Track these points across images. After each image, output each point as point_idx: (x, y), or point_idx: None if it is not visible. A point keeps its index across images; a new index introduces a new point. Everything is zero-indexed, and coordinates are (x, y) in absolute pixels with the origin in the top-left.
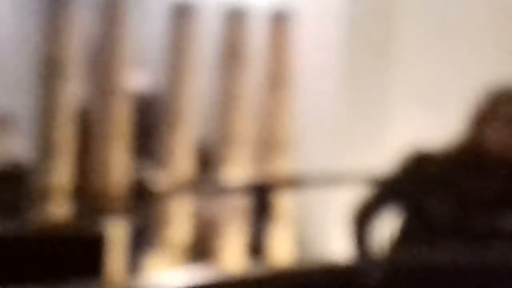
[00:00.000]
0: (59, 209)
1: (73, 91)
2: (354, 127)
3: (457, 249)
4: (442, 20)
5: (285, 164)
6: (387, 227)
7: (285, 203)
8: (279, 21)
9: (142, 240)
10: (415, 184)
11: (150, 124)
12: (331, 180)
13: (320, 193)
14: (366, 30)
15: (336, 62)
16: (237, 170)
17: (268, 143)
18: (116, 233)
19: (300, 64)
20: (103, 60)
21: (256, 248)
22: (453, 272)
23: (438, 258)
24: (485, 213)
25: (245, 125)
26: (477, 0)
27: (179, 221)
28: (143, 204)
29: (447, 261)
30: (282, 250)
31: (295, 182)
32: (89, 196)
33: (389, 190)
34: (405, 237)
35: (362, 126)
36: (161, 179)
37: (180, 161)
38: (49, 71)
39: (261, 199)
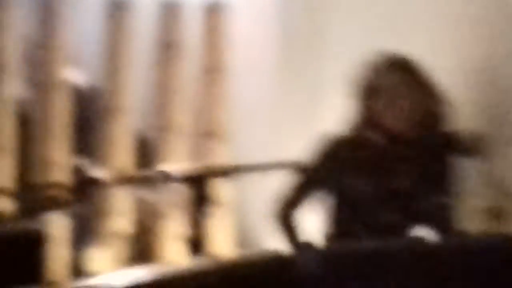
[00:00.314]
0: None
1: (12, 89)
2: (288, 116)
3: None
4: (374, 12)
5: (223, 154)
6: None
7: (224, 193)
8: (214, 13)
9: (84, 234)
10: (332, 168)
11: (89, 118)
12: (267, 168)
13: (257, 181)
14: (299, 22)
15: (270, 53)
16: (176, 161)
17: (205, 134)
18: (57, 229)
19: (236, 55)
20: (41, 56)
21: (196, 238)
22: (390, 256)
23: (374, 243)
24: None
25: (183, 116)
26: None
27: (120, 213)
28: (85, 198)
29: (382, 245)
30: (222, 240)
31: (233, 171)
32: (30, 193)
33: (309, 178)
34: (335, 221)
35: (296, 115)
36: (101, 172)
37: (120, 154)
38: None
39: (200, 189)
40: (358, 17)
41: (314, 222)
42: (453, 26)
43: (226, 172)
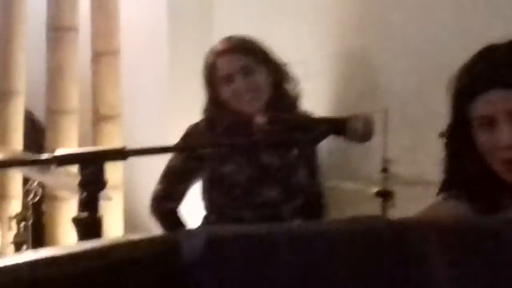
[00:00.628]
0: None
1: None
2: (181, 100)
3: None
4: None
5: (115, 137)
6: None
7: (115, 175)
8: None
9: None
10: (194, 155)
11: None
12: (161, 151)
13: (150, 165)
14: (188, 2)
15: (160, 35)
16: (69, 144)
17: (98, 117)
18: None
19: (127, 38)
20: None
21: (90, 221)
22: (274, 241)
23: (257, 227)
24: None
25: (74, 97)
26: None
27: (12, 196)
28: None
29: (266, 229)
30: (112, 220)
31: (126, 154)
32: None
33: (174, 168)
34: (212, 206)
35: (188, 98)
36: None
37: (11, 137)
38: None
39: (92, 170)
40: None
41: (199, 211)
42: (331, 13)
43: (118, 155)
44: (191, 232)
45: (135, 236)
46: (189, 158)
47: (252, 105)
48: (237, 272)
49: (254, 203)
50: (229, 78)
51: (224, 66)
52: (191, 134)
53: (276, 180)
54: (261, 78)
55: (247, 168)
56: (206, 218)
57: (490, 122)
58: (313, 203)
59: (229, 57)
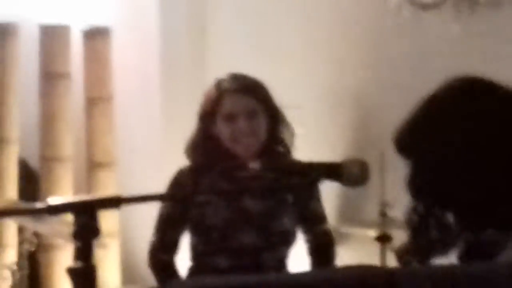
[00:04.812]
0: None
1: None
2: (175, 144)
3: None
4: (254, 39)
5: (110, 184)
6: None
7: (111, 222)
8: (96, 39)
9: None
10: (180, 200)
11: None
12: (156, 199)
13: (143, 212)
14: (182, 48)
15: (154, 82)
16: (63, 192)
17: (90, 162)
18: None
19: (120, 84)
20: None
21: (82, 269)
22: None
23: (237, 278)
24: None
25: (67, 144)
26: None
27: (7, 245)
28: None
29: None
30: (109, 270)
31: (121, 202)
32: None
33: (165, 216)
34: (194, 253)
35: (182, 143)
36: None
37: (6, 185)
38: None
39: (86, 219)
40: (239, 42)
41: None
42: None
43: (112, 203)
44: (176, 284)
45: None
46: (177, 204)
47: (248, 150)
48: None
49: (230, 248)
50: (231, 118)
51: (229, 104)
52: (180, 179)
53: (254, 225)
54: (262, 123)
55: (226, 211)
56: (189, 268)
57: None
58: (321, 249)
59: (236, 97)
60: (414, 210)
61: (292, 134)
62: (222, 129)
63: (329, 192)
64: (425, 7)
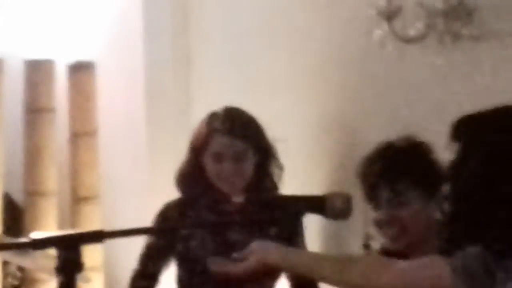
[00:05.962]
0: None
1: None
2: (157, 180)
3: None
4: (240, 72)
5: (94, 218)
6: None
7: (95, 256)
8: (81, 73)
9: None
10: (166, 234)
11: None
12: (141, 233)
13: (128, 245)
14: (166, 80)
15: (139, 114)
16: (47, 226)
17: (75, 196)
18: None
19: (105, 118)
20: None
21: None
22: None
23: None
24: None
25: (52, 179)
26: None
27: None
28: None
29: None
30: None
31: (105, 236)
32: None
33: (150, 248)
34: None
35: (168, 176)
36: None
37: None
38: None
39: (70, 253)
40: (224, 75)
41: None
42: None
43: (95, 237)
44: None
45: None
46: (162, 236)
47: (233, 188)
48: None
49: (215, 281)
50: (218, 158)
51: (218, 145)
52: (166, 213)
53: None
54: (249, 163)
55: (211, 244)
56: None
57: None
58: (303, 285)
59: (226, 138)
60: None
61: (280, 169)
62: (209, 166)
63: (312, 225)
64: (409, 40)
